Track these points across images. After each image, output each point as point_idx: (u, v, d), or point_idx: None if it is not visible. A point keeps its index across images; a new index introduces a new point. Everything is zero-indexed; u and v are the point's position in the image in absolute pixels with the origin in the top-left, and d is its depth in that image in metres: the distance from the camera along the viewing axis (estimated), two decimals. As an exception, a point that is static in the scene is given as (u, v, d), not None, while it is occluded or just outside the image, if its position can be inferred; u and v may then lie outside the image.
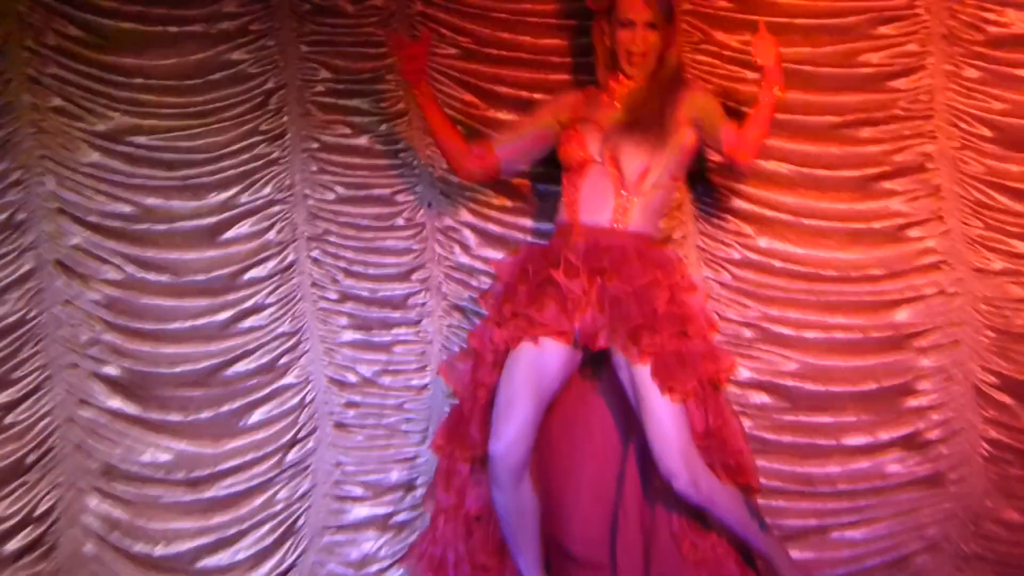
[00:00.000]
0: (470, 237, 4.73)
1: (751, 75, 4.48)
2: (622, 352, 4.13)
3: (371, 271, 4.71)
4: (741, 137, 4.12)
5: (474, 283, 4.68)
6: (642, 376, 4.13)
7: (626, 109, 4.28)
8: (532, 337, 4.11)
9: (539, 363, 4.15)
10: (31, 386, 4.63)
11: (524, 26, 4.66)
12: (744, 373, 4.64)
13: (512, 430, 4.08)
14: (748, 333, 4.70)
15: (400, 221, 4.72)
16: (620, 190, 4.21)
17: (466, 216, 4.70)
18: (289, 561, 4.68)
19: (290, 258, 4.69)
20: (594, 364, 4.34)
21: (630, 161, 4.19)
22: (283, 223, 4.70)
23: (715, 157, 4.50)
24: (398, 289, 4.71)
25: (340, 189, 4.72)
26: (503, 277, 4.29)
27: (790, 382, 4.68)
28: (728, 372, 4.25)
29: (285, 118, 4.68)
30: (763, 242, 4.69)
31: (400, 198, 4.73)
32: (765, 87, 4.06)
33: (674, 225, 4.66)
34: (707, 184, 4.62)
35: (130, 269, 4.68)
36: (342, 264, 4.71)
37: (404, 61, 4.22)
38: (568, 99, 4.42)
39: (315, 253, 4.70)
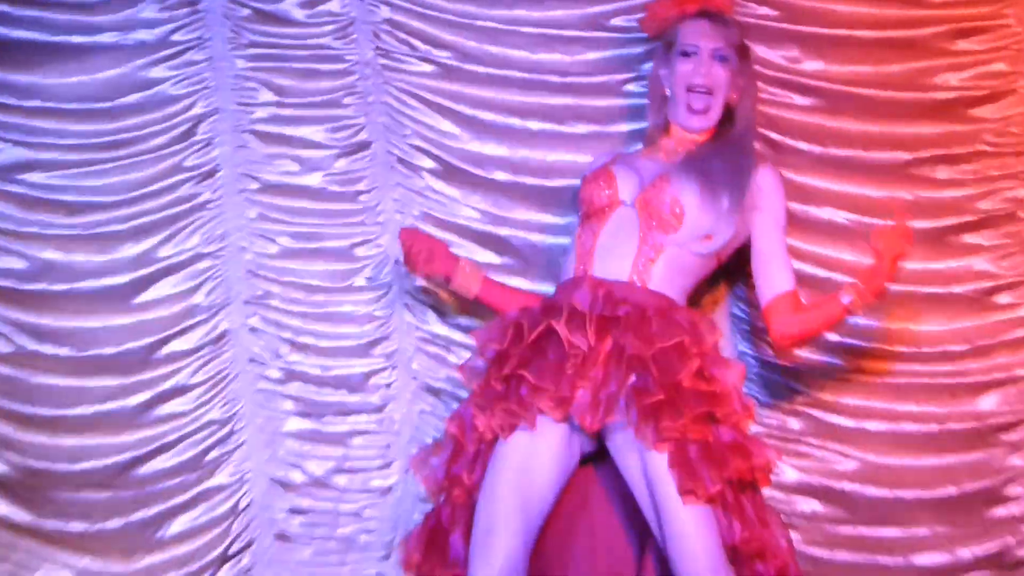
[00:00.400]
0: (447, 300, 4.39)
1: (799, 99, 4.33)
2: (633, 431, 3.74)
3: (323, 343, 4.42)
4: (789, 321, 3.97)
5: (452, 358, 4.37)
6: (657, 467, 3.74)
7: (688, 156, 4.04)
8: (528, 423, 3.79)
9: (529, 465, 3.83)
10: None
11: (517, 37, 4.42)
12: (790, 474, 4.32)
13: (495, 568, 3.75)
14: (795, 424, 4.36)
15: (360, 281, 4.43)
16: (647, 239, 3.94)
17: (443, 275, 4.33)
18: None
19: (222, 327, 4.43)
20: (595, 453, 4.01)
21: (691, 216, 3.94)
22: (214, 283, 4.44)
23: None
24: (357, 366, 4.42)
25: (285, 240, 4.44)
26: (491, 343, 3.98)
27: (848, 485, 4.35)
28: (765, 470, 3.84)
29: (217, 151, 4.45)
30: (815, 310, 4.36)
31: (360, 252, 4.43)
32: (859, 289, 3.84)
33: (705, 290, 4.33)
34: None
35: (21, 340, 4.43)
36: (287, 335, 4.42)
37: (423, 261, 4.14)
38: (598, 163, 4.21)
39: (253, 321, 4.43)
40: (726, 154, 4.04)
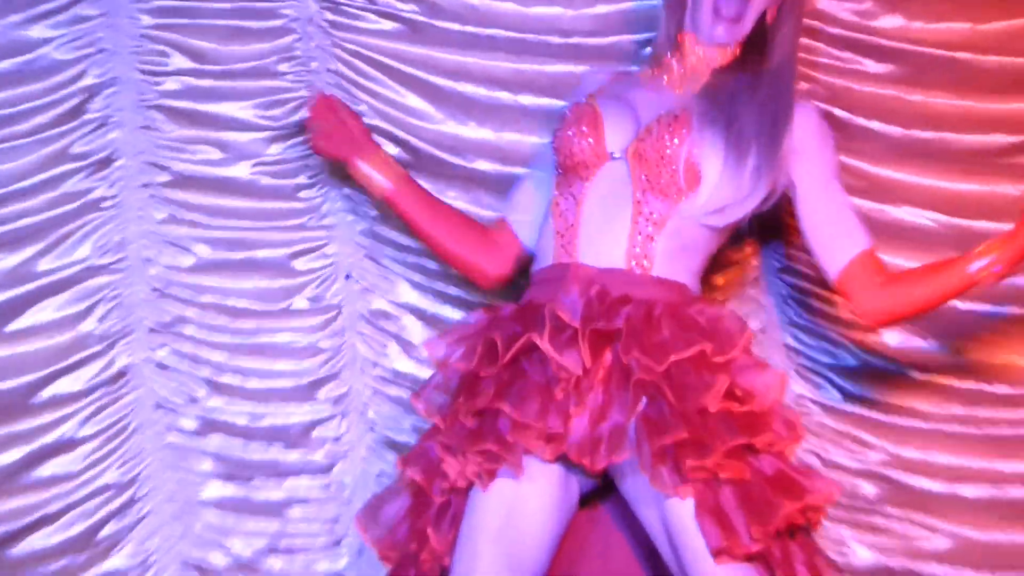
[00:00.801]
0: (414, 327, 4.03)
1: (873, 66, 3.90)
2: (648, 476, 3.42)
3: (252, 384, 4.05)
4: (878, 296, 3.60)
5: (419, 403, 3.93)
6: (681, 518, 3.41)
7: (707, 91, 3.61)
8: (513, 467, 3.46)
9: (516, 517, 3.47)
10: None
11: (505, -15, 4.13)
12: (863, 555, 3.92)
13: None
14: (869, 488, 3.95)
15: (301, 303, 4.05)
16: (642, 207, 3.58)
17: (408, 293, 4.02)
18: None
19: (120, 362, 4.05)
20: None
21: (710, 182, 3.57)
22: (109, 305, 4.05)
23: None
24: (296, 414, 4.04)
25: (203, 250, 4.07)
26: (452, 362, 3.69)
27: (938, 568, 3.93)
28: (821, 504, 3.52)
29: (114, 134, 4.06)
30: (892, 339, 3.96)
31: (301, 264, 4.05)
32: (997, 251, 3.47)
33: (748, 311, 3.96)
34: (796, 245, 3.93)
35: None
36: (205, 373, 4.06)
37: (323, 137, 3.86)
38: (591, 85, 3.83)
39: (161, 354, 4.06)
40: (757, 93, 3.63)
